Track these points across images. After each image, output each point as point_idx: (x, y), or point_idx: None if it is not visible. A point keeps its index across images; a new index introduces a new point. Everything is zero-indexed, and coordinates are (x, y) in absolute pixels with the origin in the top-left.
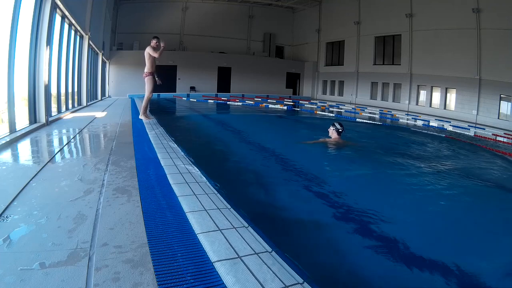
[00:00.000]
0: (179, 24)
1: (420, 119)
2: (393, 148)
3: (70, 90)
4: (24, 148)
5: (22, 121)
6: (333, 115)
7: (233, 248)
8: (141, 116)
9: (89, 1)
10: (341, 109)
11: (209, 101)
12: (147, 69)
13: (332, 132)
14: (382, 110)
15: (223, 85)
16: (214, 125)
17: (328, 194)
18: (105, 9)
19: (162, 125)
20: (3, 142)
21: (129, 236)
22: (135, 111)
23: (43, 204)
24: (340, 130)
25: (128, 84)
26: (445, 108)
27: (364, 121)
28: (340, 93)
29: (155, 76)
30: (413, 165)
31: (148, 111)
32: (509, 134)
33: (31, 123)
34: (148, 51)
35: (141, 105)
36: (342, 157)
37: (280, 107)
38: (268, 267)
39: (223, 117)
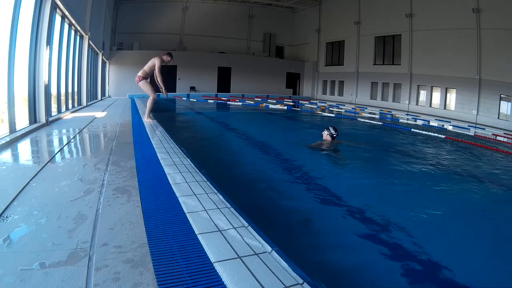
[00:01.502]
0: (179, 24)
1: (420, 119)
2: (389, 147)
3: (70, 90)
4: (24, 148)
5: (22, 121)
6: (334, 115)
7: (233, 248)
8: (146, 119)
9: (89, 1)
10: (341, 109)
11: (209, 101)
12: (142, 73)
13: (326, 136)
14: (382, 110)
15: (223, 85)
16: (214, 125)
17: (328, 194)
18: (105, 9)
19: (162, 125)
20: (3, 142)
21: (129, 236)
22: (135, 111)
23: (43, 204)
24: (334, 135)
25: (128, 84)
26: (445, 108)
27: (363, 120)
28: (340, 93)
29: (163, 89)
30: (410, 164)
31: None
32: (509, 134)
33: (31, 123)
34: (157, 62)
35: (146, 108)
36: (339, 157)
37: (280, 107)
38: (268, 267)
39: (223, 117)
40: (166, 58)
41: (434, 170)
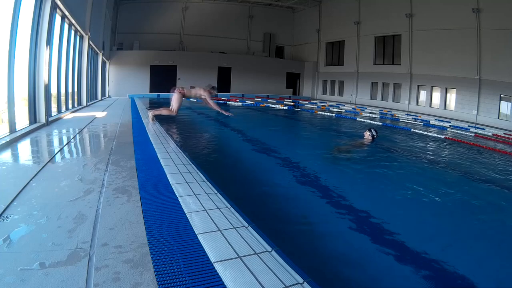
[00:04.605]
0: (179, 24)
1: (420, 119)
2: (391, 148)
3: (70, 90)
4: (24, 148)
5: (22, 121)
6: (334, 115)
7: (233, 248)
8: (150, 116)
9: (89, 1)
10: (341, 109)
11: None
12: (185, 91)
13: (368, 136)
14: (382, 110)
15: (223, 85)
16: (214, 125)
17: (329, 195)
18: (105, 9)
19: (162, 125)
20: (3, 142)
21: (129, 236)
22: (135, 111)
23: (43, 204)
24: (375, 136)
25: (128, 84)
26: (445, 108)
27: (363, 120)
28: (340, 93)
29: (223, 112)
30: (410, 164)
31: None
32: (509, 134)
33: (31, 123)
34: (207, 95)
35: (146, 108)
36: (343, 158)
37: (280, 107)
38: (268, 267)
39: (223, 117)
40: (213, 92)
41: (434, 170)
